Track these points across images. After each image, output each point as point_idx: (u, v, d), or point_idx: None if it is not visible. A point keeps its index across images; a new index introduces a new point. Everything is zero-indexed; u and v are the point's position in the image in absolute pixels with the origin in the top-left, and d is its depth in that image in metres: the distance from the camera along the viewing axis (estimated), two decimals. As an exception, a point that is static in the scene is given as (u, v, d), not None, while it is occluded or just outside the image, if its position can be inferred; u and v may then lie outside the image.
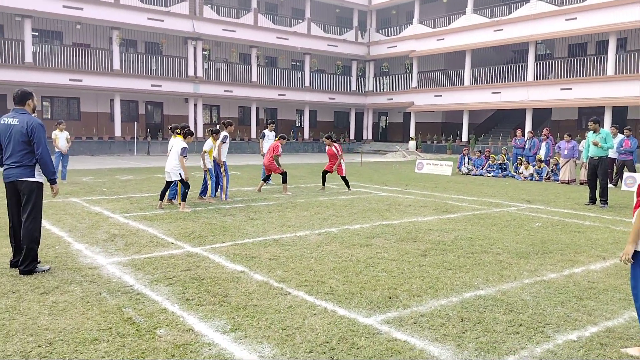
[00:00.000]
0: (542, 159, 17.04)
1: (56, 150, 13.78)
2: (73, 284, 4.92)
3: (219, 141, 10.66)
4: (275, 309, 4.30)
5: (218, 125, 11.69)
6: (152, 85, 29.60)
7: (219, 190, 10.95)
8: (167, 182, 9.60)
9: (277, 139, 12.72)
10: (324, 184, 12.77)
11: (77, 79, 27.32)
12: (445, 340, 3.73)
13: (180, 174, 9.29)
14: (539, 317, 4.20)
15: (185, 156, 9.32)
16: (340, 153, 12.44)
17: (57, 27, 28.59)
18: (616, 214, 9.74)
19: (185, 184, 9.38)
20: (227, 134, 11.00)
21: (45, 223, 7.84)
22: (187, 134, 9.66)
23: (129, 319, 4.05)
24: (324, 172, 12.79)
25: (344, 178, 12.66)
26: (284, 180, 12.08)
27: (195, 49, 31.10)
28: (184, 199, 9.42)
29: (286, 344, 3.62)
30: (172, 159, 9.39)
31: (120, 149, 28.80)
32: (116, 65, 28.49)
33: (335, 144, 12.41)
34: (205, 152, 10.55)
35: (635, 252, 3.62)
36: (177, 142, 9.48)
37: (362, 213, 9.36)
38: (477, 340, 3.72)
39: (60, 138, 13.99)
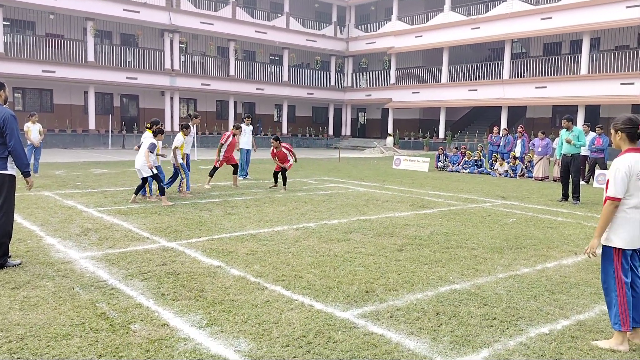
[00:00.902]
0: (517, 156, 17.31)
1: (28, 142, 13.48)
2: (45, 278, 4.82)
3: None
4: (252, 303, 4.29)
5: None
6: (127, 78, 29.13)
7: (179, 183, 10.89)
8: (143, 179, 9.46)
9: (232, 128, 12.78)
10: (276, 182, 12.13)
11: (50, 70, 26.74)
12: (420, 333, 3.76)
13: (152, 169, 9.19)
14: (512, 311, 4.26)
15: (152, 152, 9.22)
16: (291, 151, 11.86)
17: (29, 16, 27.90)
18: (588, 210, 9.96)
19: (158, 178, 9.27)
20: (189, 126, 10.97)
21: (16, 217, 7.65)
22: (157, 132, 9.54)
23: (103, 314, 3.99)
24: (276, 172, 12.05)
25: (283, 174, 11.79)
26: (210, 174, 12.03)
27: (172, 41, 30.70)
28: (162, 193, 9.32)
29: (263, 338, 3.61)
30: (140, 155, 9.28)
31: (94, 142, 28.31)
32: (90, 57, 27.96)
33: (284, 144, 11.83)
34: (176, 147, 10.35)
35: (605, 247, 3.71)
36: (146, 138, 9.42)
37: (340, 208, 9.38)
38: (452, 334, 3.76)
39: (33, 130, 13.71)
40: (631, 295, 3.64)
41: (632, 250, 3.68)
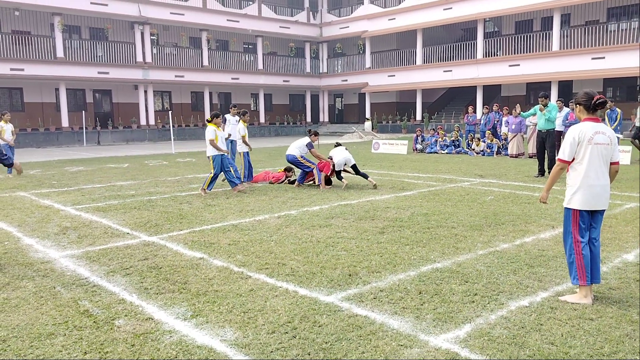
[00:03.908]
0: (502, 132, 17.57)
1: (1, 142, 13.11)
2: (25, 279, 4.76)
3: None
4: (236, 293, 4.29)
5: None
6: (99, 73, 28.56)
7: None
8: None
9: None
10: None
11: (19, 68, 26.07)
12: (404, 313, 3.82)
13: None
14: (492, 286, 4.35)
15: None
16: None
17: (-7, 13, 27.15)
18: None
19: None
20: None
21: (-9, 219, 7.54)
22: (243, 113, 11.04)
23: (86, 311, 3.96)
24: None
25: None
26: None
27: (142, 33, 30.13)
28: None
29: (248, 326, 3.63)
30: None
31: (68, 140, 27.81)
32: (59, 53, 27.32)
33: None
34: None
35: (565, 208, 4.10)
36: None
37: (321, 194, 9.40)
38: (435, 311, 3.83)
39: (7, 130, 13.37)
40: (589, 253, 3.99)
41: (592, 211, 4.03)
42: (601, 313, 3.77)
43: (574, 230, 4.01)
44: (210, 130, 9.62)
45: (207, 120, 10.00)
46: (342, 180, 10.30)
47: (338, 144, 10.91)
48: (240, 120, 11.07)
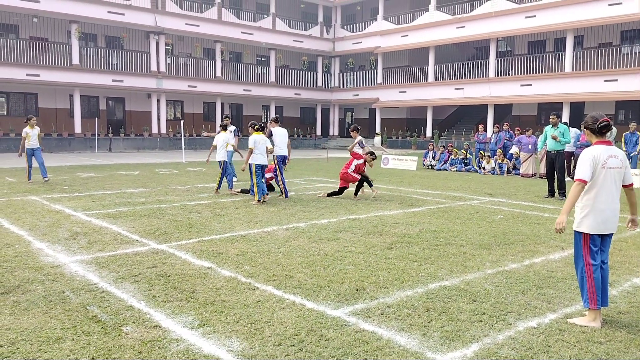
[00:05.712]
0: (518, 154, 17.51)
1: (27, 147, 12.80)
2: (35, 283, 4.80)
3: None
4: (244, 303, 4.30)
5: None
6: (113, 81, 28.91)
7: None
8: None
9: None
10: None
11: (35, 73, 26.46)
12: (411, 329, 3.81)
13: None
14: (500, 306, 4.33)
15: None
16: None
17: (12, 20, 27.60)
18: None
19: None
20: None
21: (3, 222, 7.64)
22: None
23: (94, 317, 3.99)
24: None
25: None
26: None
27: (157, 43, 30.52)
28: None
29: (255, 337, 3.63)
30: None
31: (80, 146, 28.07)
32: (75, 60, 27.71)
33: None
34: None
35: (575, 232, 4.06)
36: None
37: (330, 208, 9.41)
38: (442, 329, 3.81)
39: (32, 135, 12.84)
40: (600, 276, 3.97)
41: (602, 235, 4.02)
42: (610, 337, 3.74)
43: (585, 253, 4.00)
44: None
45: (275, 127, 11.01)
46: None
47: (357, 128, 11.68)
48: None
